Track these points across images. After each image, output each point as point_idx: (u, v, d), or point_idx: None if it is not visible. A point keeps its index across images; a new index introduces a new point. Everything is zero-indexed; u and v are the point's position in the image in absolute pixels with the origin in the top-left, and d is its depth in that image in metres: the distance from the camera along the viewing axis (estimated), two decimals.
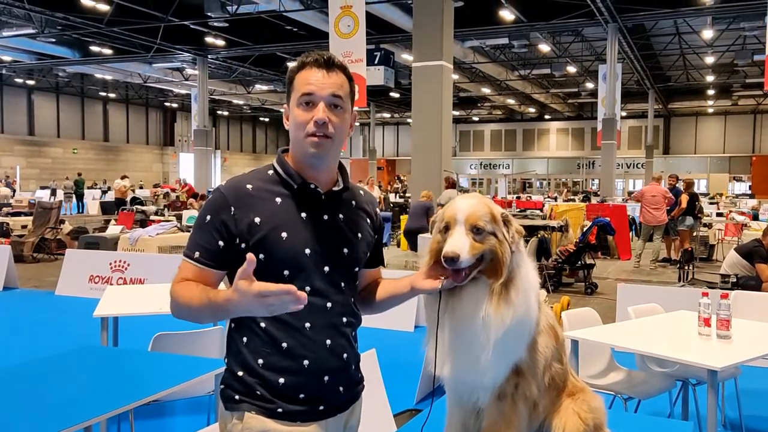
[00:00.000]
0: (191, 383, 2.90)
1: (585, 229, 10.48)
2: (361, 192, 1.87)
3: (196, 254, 1.65)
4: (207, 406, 3.92)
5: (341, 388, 1.74)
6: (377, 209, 1.92)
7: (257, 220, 1.63)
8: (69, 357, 3.28)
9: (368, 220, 1.85)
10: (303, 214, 1.68)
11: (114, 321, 4.62)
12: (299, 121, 1.67)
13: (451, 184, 12.80)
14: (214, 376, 2.95)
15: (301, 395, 1.66)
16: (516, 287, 1.64)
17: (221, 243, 1.64)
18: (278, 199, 1.67)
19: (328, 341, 1.69)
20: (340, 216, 1.75)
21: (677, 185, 12.73)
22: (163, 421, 4.35)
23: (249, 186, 1.67)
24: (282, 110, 1.79)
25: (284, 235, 1.64)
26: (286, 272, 1.64)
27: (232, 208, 1.64)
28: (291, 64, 1.78)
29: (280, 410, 1.64)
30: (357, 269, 1.81)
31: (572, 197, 23.93)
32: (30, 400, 2.59)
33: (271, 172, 1.73)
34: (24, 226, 13.90)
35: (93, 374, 3.00)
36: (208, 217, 1.65)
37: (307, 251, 1.67)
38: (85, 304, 6.36)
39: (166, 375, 2.95)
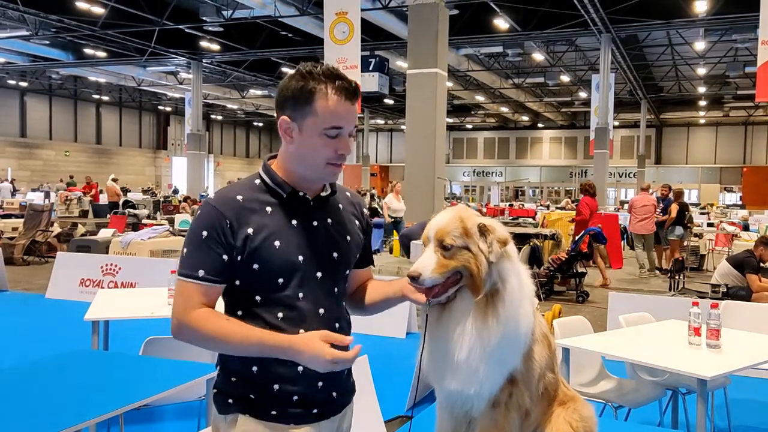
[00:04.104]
0: (182, 388, 2.89)
1: (577, 238, 10.52)
2: (348, 194, 1.88)
3: (201, 272, 1.60)
4: (197, 411, 3.91)
5: (334, 394, 1.75)
6: (365, 210, 1.92)
7: (250, 231, 1.62)
8: (59, 360, 3.26)
9: (357, 222, 1.86)
10: (294, 222, 1.69)
11: (105, 325, 4.60)
12: (322, 150, 1.66)
13: None
14: (206, 381, 2.94)
15: (295, 398, 1.67)
16: (503, 299, 1.62)
17: (225, 257, 1.61)
18: (268, 209, 1.67)
19: None
20: (329, 220, 1.76)
21: (669, 195, 12.79)
22: (154, 426, 4.32)
23: (239, 197, 1.65)
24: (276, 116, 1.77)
25: (277, 243, 1.64)
26: (280, 280, 1.65)
27: (228, 221, 1.61)
28: (304, 77, 1.66)
29: (273, 412, 1.65)
30: (348, 272, 1.82)
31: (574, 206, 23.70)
32: (20, 403, 2.57)
33: (258, 181, 1.71)
34: (15, 229, 13.81)
35: (83, 378, 2.98)
36: (205, 233, 1.60)
37: (300, 258, 1.67)
38: (75, 308, 6.32)
39: (157, 379, 2.94)
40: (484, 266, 1.61)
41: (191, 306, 1.61)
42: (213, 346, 1.64)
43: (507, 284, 1.63)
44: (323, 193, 1.76)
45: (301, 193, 1.71)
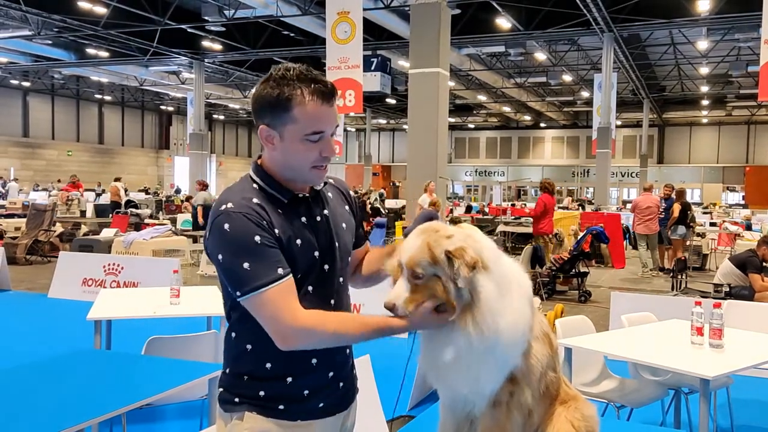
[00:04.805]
0: (184, 388, 2.90)
1: (579, 238, 10.52)
2: (331, 180, 1.90)
3: (280, 270, 1.59)
4: (199, 411, 3.91)
5: (341, 384, 1.79)
6: (350, 191, 1.96)
7: (277, 232, 1.64)
8: (62, 360, 3.27)
9: (346, 207, 1.90)
10: (303, 219, 1.72)
11: (107, 324, 4.61)
12: (305, 154, 1.67)
13: (204, 186, 13.81)
14: (208, 381, 2.94)
15: (306, 392, 1.70)
16: (478, 309, 1.60)
17: (280, 251, 1.62)
18: (279, 210, 1.68)
19: None
20: (326, 212, 1.79)
21: (672, 195, 12.77)
22: (156, 426, 4.33)
23: (255, 200, 1.65)
24: None
25: (299, 242, 1.67)
26: (299, 275, 1.67)
27: (264, 221, 1.62)
28: (279, 84, 1.64)
29: (281, 407, 1.67)
30: (348, 259, 1.86)
31: (578, 207, 23.48)
32: (22, 403, 2.58)
33: (255, 186, 1.71)
34: (17, 228, 13.84)
35: (86, 377, 2.99)
36: (258, 238, 1.58)
37: (316, 254, 1.71)
38: (78, 307, 6.33)
39: (159, 379, 2.94)
40: (453, 291, 1.61)
41: (294, 307, 1.58)
42: (332, 342, 1.65)
43: (480, 296, 1.60)
44: (317, 187, 1.80)
45: (300, 195, 1.74)
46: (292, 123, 1.64)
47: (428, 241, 1.65)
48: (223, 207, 1.62)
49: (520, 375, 1.70)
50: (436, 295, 1.62)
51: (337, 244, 1.78)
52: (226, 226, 1.59)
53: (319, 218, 1.76)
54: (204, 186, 14.47)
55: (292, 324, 1.57)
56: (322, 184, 1.81)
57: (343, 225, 1.83)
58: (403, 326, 1.64)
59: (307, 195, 1.76)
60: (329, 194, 1.85)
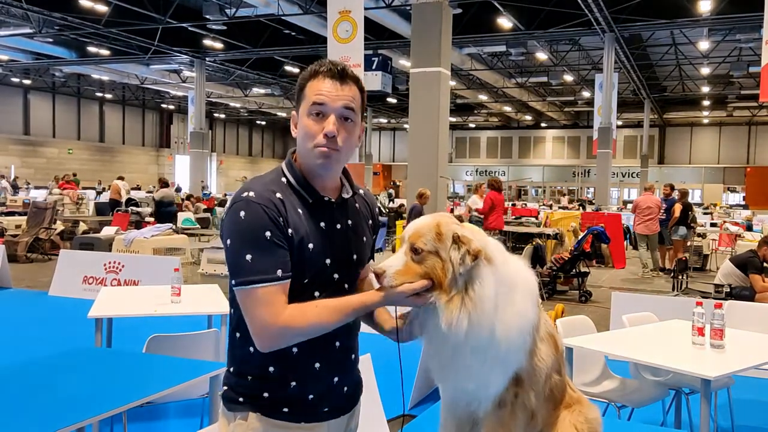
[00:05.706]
0: (185, 386, 2.89)
1: (580, 238, 10.51)
2: (361, 191, 1.88)
3: (279, 272, 1.58)
4: (200, 409, 3.91)
5: (346, 388, 1.78)
6: (376, 207, 1.94)
7: (290, 231, 1.62)
8: (62, 358, 3.27)
9: (369, 222, 1.87)
10: (322, 224, 1.70)
11: (108, 322, 4.61)
12: (308, 132, 1.66)
13: (164, 184, 14.32)
14: (209, 379, 2.94)
15: (310, 396, 1.69)
16: (471, 300, 1.58)
17: (289, 252, 1.61)
18: (300, 210, 1.67)
19: (337, 343, 1.72)
20: (349, 222, 1.77)
21: (673, 195, 12.76)
22: (157, 424, 4.33)
23: (278, 195, 1.64)
24: (279, 114, 1.78)
25: (311, 246, 1.65)
26: (306, 281, 1.65)
27: (281, 217, 1.61)
28: (303, 71, 1.73)
29: (285, 410, 1.67)
30: (360, 271, 1.83)
31: (578, 206, 23.35)
32: (23, 401, 2.58)
33: (284, 180, 1.70)
34: (18, 226, 13.84)
35: (86, 376, 2.99)
36: (269, 233, 1.57)
37: (328, 261, 1.69)
38: (78, 305, 6.34)
39: (160, 377, 2.94)
40: (450, 272, 1.58)
41: (280, 308, 1.57)
42: (313, 334, 1.62)
43: (475, 287, 1.58)
44: (345, 195, 1.77)
45: (326, 198, 1.72)
46: (303, 101, 1.69)
47: (439, 221, 1.65)
48: (245, 194, 1.62)
49: (525, 376, 1.69)
50: (432, 275, 1.59)
51: (354, 256, 1.76)
52: (242, 213, 1.59)
53: (339, 226, 1.73)
54: (164, 184, 15.48)
55: (273, 323, 1.56)
56: (351, 193, 1.79)
57: (364, 238, 1.81)
58: (379, 302, 1.62)
59: (333, 200, 1.73)
60: (357, 205, 1.82)
